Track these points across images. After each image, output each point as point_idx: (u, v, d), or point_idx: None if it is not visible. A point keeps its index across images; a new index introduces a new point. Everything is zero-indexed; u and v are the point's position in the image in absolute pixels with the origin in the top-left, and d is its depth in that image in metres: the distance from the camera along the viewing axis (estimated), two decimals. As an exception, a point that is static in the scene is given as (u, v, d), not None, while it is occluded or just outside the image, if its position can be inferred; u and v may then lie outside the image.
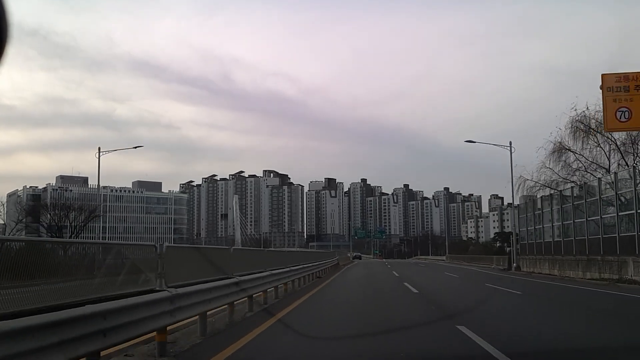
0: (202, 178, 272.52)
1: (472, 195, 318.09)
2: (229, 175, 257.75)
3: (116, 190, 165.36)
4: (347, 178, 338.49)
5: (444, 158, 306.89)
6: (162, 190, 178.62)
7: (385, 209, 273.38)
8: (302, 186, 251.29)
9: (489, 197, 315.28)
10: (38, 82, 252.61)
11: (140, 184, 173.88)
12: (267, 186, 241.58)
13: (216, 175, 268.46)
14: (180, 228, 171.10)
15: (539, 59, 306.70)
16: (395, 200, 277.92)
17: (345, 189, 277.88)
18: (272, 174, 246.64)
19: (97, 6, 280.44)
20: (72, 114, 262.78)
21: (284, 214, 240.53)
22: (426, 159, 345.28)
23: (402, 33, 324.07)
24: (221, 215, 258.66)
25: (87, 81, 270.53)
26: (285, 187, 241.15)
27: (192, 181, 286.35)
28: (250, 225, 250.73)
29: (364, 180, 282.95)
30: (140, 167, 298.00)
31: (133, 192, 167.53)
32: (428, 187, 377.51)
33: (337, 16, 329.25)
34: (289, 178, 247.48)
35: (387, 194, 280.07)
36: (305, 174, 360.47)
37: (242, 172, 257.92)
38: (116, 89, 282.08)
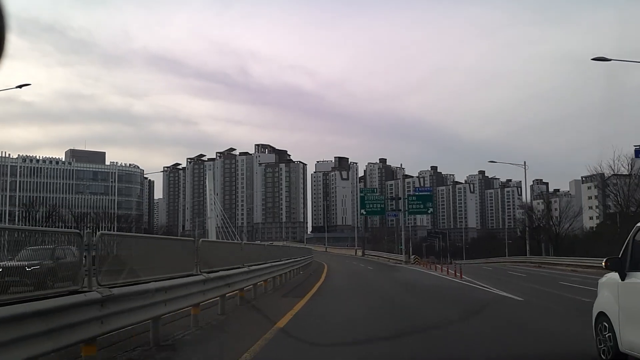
0: (187, 158, 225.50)
1: (510, 180, 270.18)
2: (216, 153, 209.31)
3: (35, 161, 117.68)
4: (363, 159, 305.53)
5: (468, 148, 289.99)
6: (107, 163, 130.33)
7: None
8: (305, 164, 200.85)
9: (531, 183, 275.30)
10: (56, 78, 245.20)
11: (75, 154, 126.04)
12: (260, 164, 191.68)
13: (204, 155, 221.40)
14: (128, 215, 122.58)
15: (564, 48, 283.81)
16: (422, 185, 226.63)
17: (361, 174, 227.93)
18: (267, 150, 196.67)
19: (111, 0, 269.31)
20: (90, 109, 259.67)
21: (281, 199, 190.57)
22: (449, 151, 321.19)
23: (422, 23, 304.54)
24: (215, 202, 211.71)
25: (104, 77, 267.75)
26: (282, 165, 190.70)
27: (178, 164, 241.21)
28: (242, 214, 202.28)
29: (383, 161, 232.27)
30: (159, 161, 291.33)
31: (57, 163, 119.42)
32: (459, 172, 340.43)
33: (355, 7, 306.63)
34: (289, 155, 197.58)
35: (412, 177, 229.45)
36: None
37: (232, 149, 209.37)
38: (133, 84, 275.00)
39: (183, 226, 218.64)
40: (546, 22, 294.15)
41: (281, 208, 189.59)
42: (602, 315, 7.11)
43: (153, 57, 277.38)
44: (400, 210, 66.49)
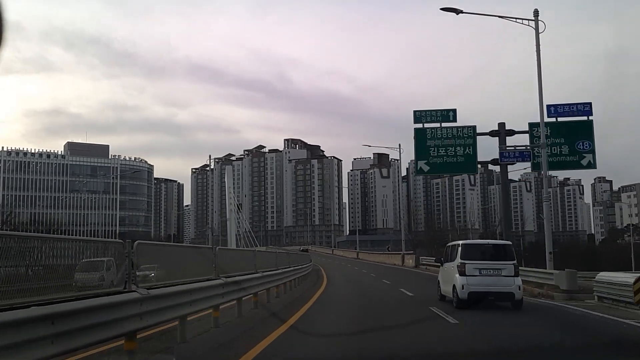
0: (214, 158, 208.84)
1: (569, 179, 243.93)
2: (244, 150, 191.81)
3: (23, 155, 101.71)
4: (405, 157, 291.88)
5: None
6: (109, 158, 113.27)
7: (458, 195, 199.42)
8: (340, 160, 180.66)
9: (592, 182, 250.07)
10: (102, 90, 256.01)
11: (72, 147, 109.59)
12: (290, 161, 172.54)
13: (232, 155, 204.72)
14: (134, 217, 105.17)
15: (609, 45, 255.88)
16: (472, 183, 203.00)
17: (404, 173, 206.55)
18: (297, 145, 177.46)
19: (153, 11, 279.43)
20: (134, 120, 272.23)
21: (313, 199, 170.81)
22: (495, 151, 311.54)
23: (462, 24, 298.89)
24: (237, 205, 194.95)
25: (148, 87, 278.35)
26: (314, 162, 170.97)
27: (207, 165, 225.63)
28: (272, 217, 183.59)
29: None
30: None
31: (48, 156, 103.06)
32: (513, 169, 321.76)
33: (393, 10, 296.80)
34: (322, 151, 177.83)
35: (458, 174, 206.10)
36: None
37: (261, 147, 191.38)
38: (176, 94, 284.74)
39: (212, 231, 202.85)
40: (591, 19, 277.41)
41: (313, 209, 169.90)
42: (439, 282, 17.66)
43: (194, 67, 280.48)
44: (532, 155, 27.77)
